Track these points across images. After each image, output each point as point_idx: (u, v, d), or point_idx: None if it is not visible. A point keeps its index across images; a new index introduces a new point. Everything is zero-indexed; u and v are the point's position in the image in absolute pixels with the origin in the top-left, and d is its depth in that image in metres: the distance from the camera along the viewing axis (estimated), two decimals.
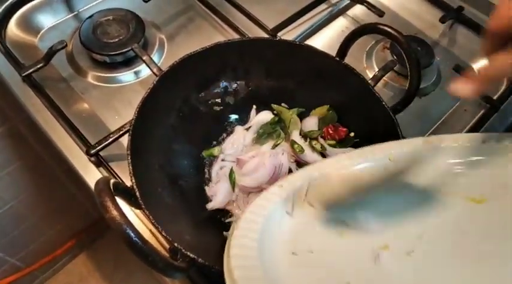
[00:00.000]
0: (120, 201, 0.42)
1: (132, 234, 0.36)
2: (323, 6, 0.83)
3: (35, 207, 1.19)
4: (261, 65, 0.60)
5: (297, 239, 0.44)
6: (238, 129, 0.61)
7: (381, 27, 0.56)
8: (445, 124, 0.73)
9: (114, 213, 0.36)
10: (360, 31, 0.58)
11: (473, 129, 0.71)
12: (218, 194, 0.55)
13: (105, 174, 0.60)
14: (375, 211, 0.46)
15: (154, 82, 0.52)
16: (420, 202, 0.46)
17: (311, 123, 0.60)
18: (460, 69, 0.74)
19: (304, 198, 0.46)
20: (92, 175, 0.59)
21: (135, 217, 0.56)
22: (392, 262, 0.42)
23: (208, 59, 0.56)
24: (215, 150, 0.60)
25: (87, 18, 0.72)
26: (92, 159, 0.60)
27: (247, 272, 0.37)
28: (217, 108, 0.61)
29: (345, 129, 0.59)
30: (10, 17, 0.73)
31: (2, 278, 1.25)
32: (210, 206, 0.54)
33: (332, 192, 0.47)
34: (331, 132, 0.59)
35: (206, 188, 0.57)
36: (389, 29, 0.55)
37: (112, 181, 0.41)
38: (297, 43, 0.58)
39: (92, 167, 0.60)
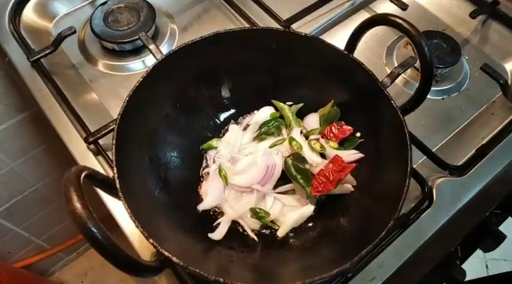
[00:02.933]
0: None
1: (93, 228, 0.34)
2: None
3: (59, 190, 1.21)
4: (263, 56, 0.56)
5: None
6: (234, 128, 0.58)
7: (391, 18, 0.50)
8: (468, 129, 0.67)
9: (76, 205, 0.35)
10: (368, 23, 0.53)
11: (500, 135, 0.64)
12: (209, 193, 0.53)
13: (103, 162, 0.59)
14: None
15: (148, 70, 0.51)
16: None
17: (312, 120, 0.56)
18: (489, 69, 0.67)
19: None
20: (89, 163, 0.59)
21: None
22: None
23: (207, 49, 0.54)
24: (214, 142, 0.58)
25: (99, 6, 0.72)
26: (91, 147, 0.60)
27: None
28: (215, 101, 0.59)
29: (350, 128, 0.55)
30: (25, 3, 0.73)
31: (26, 258, 1.29)
32: (201, 207, 0.52)
33: None
34: (334, 130, 0.55)
35: (198, 187, 0.55)
36: (399, 20, 0.49)
37: (86, 172, 0.40)
38: (301, 34, 0.54)
39: (90, 155, 0.59)
